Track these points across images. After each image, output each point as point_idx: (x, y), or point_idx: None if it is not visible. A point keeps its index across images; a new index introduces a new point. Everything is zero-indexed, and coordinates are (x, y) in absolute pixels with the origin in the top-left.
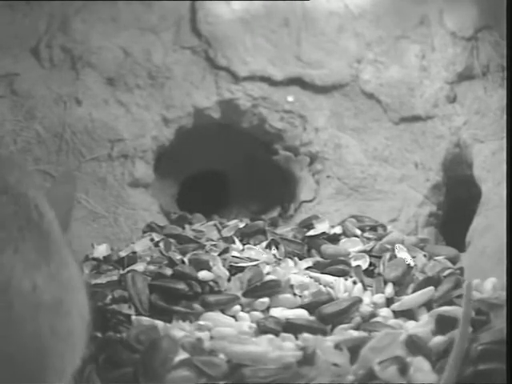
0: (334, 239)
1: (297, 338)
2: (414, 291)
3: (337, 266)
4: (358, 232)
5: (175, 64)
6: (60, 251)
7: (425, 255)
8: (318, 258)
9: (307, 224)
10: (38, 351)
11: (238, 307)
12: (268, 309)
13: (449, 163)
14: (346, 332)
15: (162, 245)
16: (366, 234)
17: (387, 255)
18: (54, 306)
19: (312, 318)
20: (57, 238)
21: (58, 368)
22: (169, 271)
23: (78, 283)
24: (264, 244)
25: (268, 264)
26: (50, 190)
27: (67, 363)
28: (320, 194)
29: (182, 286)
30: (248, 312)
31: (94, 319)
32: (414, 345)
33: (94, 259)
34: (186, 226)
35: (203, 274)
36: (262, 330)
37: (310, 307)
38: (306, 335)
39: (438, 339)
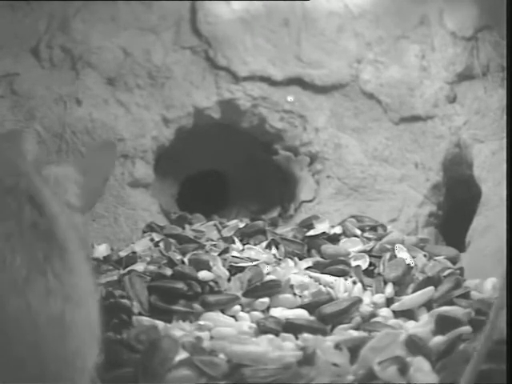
0: (334, 239)
1: (297, 337)
2: (414, 291)
3: (337, 265)
4: (358, 232)
5: (175, 64)
6: (63, 254)
7: (425, 255)
8: (318, 258)
9: (307, 224)
10: (43, 377)
11: (238, 307)
12: (268, 309)
13: (449, 163)
14: (346, 332)
15: (161, 245)
16: (366, 234)
17: (387, 255)
18: (51, 325)
19: (312, 318)
20: (60, 236)
21: None
22: (169, 271)
23: (87, 292)
24: (264, 244)
25: (268, 264)
26: (87, 156)
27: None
28: (320, 194)
29: (181, 285)
30: (248, 312)
31: None
32: (414, 345)
33: (94, 259)
34: (186, 226)
35: (203, 274)
36: (262, 329)
37: (310, 307)
38: (306, 335)
39: (438, 339)
